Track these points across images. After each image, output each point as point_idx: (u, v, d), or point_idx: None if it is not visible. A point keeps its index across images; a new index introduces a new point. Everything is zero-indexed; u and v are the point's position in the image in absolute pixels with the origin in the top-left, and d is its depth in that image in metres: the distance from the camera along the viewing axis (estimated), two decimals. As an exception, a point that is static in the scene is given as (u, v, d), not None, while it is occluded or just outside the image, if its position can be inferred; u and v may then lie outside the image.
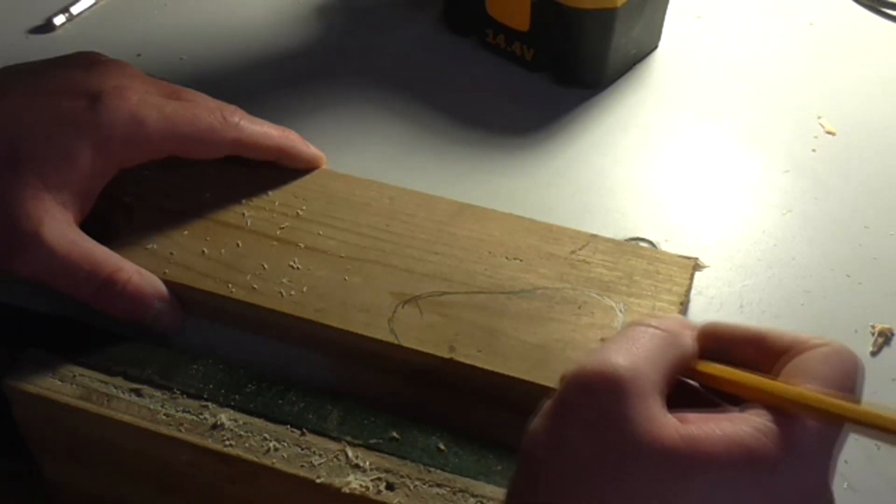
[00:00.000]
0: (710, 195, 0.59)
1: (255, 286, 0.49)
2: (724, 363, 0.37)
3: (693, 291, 0.51)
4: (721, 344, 0.38)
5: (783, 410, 0.34)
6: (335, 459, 0.43)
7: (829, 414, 0.34)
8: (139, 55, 0.67)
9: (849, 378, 0.36)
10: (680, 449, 0.32)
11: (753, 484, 0.33)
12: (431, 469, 0.42)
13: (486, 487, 0.42)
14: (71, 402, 0.45)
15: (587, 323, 0.47)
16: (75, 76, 0.51)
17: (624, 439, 0.33)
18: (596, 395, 0.34)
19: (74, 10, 0.71)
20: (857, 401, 0.35)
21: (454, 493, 0.42)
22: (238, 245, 0.51)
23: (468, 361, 0.45)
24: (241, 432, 0.44)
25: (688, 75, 0.68)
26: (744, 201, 0.59)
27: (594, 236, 0.51)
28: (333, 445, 0.43)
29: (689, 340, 0.37)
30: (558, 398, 0.35)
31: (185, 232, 0.52)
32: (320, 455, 0.43)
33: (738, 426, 0.33)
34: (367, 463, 0.43)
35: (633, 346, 0.36)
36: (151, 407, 0.45)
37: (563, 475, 0.34)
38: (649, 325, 0.37)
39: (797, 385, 0.34)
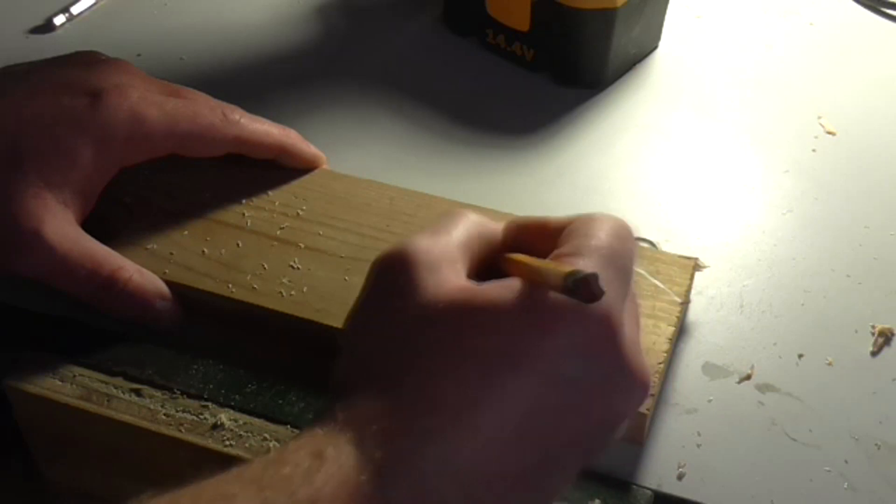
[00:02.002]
0: (710, 195, 0.59)
1: (255, 286, 0.49)
2: (527, 253, 0.39)
3: (693, 291, 0.51)
4: (523, 235, 0.42)
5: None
6: (335, 459, 0.43)
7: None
8: (139, 55, 0.67)
9: (614, 235, 0.38)
10: (459, 299, 0.36)
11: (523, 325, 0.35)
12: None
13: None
14: (71, 402, 0.45)
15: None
16: (76, 75, 0.51)
17: (414, 303, 0.37)
18: (391, 271, 0.38)
19: (74, 10, 0.71)
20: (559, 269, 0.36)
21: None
22: (238, 245, 0.51)
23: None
24: (241, 432, 0.44)
25: (688, 75, 0.68)
26: (744, 201, 0.59)
27: (594, 236, 0.51)
28: (333, 445, 0.43)
29: (495, 230, 0.42)
30: (364, 283, 0.39)
31: (185, 232, 0.52)
32: (320, 455, 0.43)
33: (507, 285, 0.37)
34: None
35: (435, 229, 0.40)
36: (151, 407, 0.45)
37: (369, 345, 0.37)
38: (459, 214, 0.41)
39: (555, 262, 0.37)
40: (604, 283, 0.35)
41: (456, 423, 0.34)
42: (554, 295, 0.35)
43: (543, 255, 0.38)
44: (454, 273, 0.38)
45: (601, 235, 0.38)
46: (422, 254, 0.38)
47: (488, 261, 0.41)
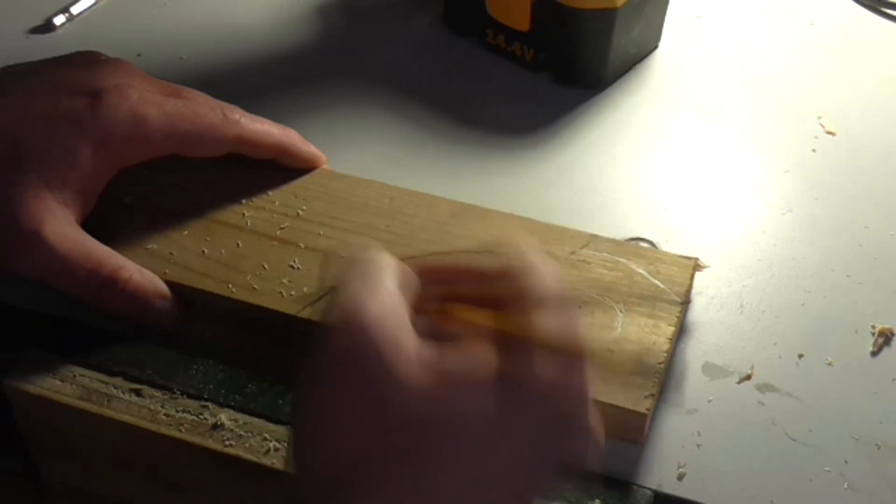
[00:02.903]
0: (710, 195, 0.59)
1: (255, 286, 0.49)
2: (448, 295, 0.38)
3: (693, 291, 0.51)
4: (438, 277, 0.39)
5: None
6: (335, 459, 0.43)
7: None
8: (139, 55, 0.67)
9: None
10: (432, 386, 0.34)
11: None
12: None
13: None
14: (71, 402, 0.45)
15: (587, 323, 0.47)
16: (75, 75, 0.51)
17: (387, 397, 0.34)
18: (349, 355, 0.35)
19: (74, 10, 0.71)
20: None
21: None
22: (238, 245, 0.51)
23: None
24: (241, 432, 0.44)
25: (688, 75, 0.68)
26: (744, 201, 0.59)
27: (594, 236, 0.51)
28: (333, 445, 0.43)
29: (411, 273, 0.39)
30: (322, 345, 0.36)
31: (185, 232, 0.52)
32: (320, 455, 0.43)
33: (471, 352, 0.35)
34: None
35: (367, 280, 0.37)
36: (151, 407, 0.45)
37: (336, 453, 0.35)
38: (376, 258, 0.38)
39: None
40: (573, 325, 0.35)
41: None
42: (526, 369, 0.35)
43: (465, 298, 0.37)
44: (410, 338, 0.35)
45: (546, 282, 0.37)
46: (377, 328, 0.35)
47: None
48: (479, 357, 0.35)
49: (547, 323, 0.35)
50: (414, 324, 0.36)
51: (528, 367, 0.35)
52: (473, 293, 0.38)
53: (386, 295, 0.36)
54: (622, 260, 0.50)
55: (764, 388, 0.49)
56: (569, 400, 0.36)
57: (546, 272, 0.37)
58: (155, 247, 0.51)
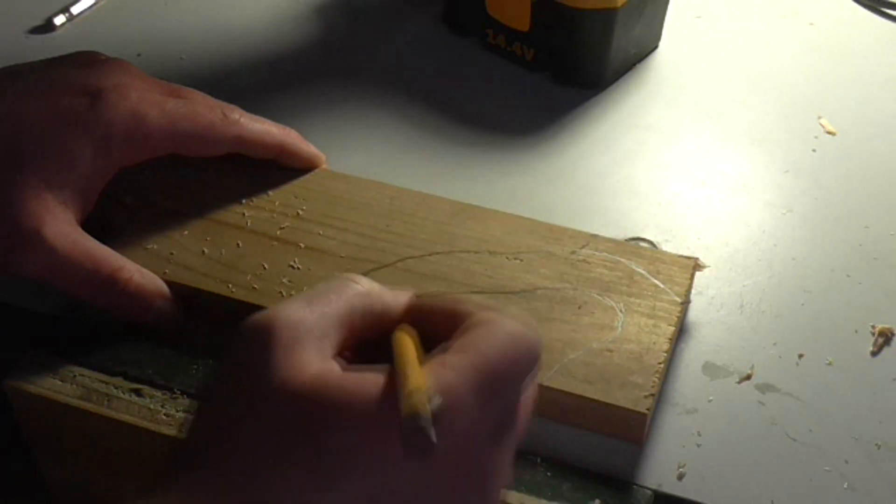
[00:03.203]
0: (710, 195, 0.59)
1: (255, 286, 0.49)
2: (426, 332, 0.37)
3: (693, 291, 0.51)
4: (427, 317, 0.38)
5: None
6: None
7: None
8: (139, 55, 0.67)
9: (489, 348, 0.35)
10: (309, 387, 0.34)
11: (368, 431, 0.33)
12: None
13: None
14: (71, 402, 0.45)
15: (587, 323, 0.47)
16: (75, 75, 0.51)
17: (261, 384, 0.34)
18: (248, 342, 0.35)
19: (74, 10, 0.71)
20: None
21: None
22: (238, 245, 0.51)
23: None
24: (242, 432, 0.44)
25: (688, 75, 0.68)
26: (744, 201, 0.59)
27: (594, 236, 0.51)
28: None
29: (387, 303, 0.38)
30: (224, 345, 0.36)
31: (185, 232, 0.52)
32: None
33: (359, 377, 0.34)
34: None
35: (311, 297, 0.37)
36: (151, 407, 0.45)
37: (210, 418, 0.35)
38: (343, 283, 0.38)
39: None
40: (458, 413, 0.33)
41: None
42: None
43: (445, 339, 0.36)
44: (317, 353, 0.35)
45: (486, 350, 0.35)
46: (284, 328, 0.35)
47: (379, 335, 0.38)
48: (375, 379, 0.34)
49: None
50: (354, 347, 0.37)
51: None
52: (444, 333, 0.37)
53: (316, 311, 0.36)
54: (622, 260, 0.50)
55: (764, 388, 0.49)
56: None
57: (498, 340, 0.35)
58: (155, 247, 0.51)
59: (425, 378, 0.34)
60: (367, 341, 0.38)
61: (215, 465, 0.34)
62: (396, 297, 0.39)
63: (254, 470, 0.33)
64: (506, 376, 0.35)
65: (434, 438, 0.32)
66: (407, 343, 0.36)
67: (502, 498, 0.36)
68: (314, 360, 0.35)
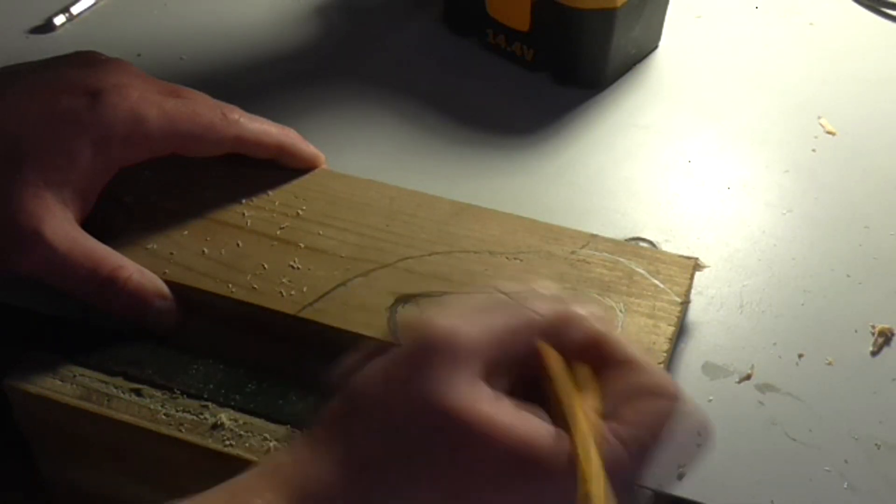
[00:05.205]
0: (710, 195, 0.59)
1: (255, 286, 0.49)
2: (562, 346, 0.38)
3: (693, 291, 0.51)
4: (563, 330, 0.39)
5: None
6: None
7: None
8: (139, 55, 0.67)
9: (657, 423, 0.37)
10: (457, 418, 0.35)
11: (517, 478, 0.35)
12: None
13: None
14: (71, 402, 0.45)
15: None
16: (75, 74, 0.51)
17: (413, 393, 0.36)
18: (416, 345, 0.37)
19: (74, 10, 0.71)
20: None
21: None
22: (238, 245, 0.51)
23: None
24: (241, 432, 0.44)
25: (688, 75, 0.68)
26: (744, 201, 0.59)
27: (594, 236, 0.51)
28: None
29: (552, 319, 0.39)
30: (399, 347, 0.38)
31: (185, 232, 0.52)
32: (320, 455, 0.43)
33: (529, 424, 0.36)
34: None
35: (477, 313, 0.38)
36: (151, 407, 0.45)
37: (359, 405, 0.37)
38: (508, 303, 0.39)
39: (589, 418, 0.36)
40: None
41: None
42: (551, 452, 0.35)
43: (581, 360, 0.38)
44: (467, 376, 0.36)
45: (655, 428, 0.37)
46: (445, 344, 0.36)
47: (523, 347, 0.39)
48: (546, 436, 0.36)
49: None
50: (509, 364, 0.38)
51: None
52: (593, 361, 0.38)
53: (475, 331, 0.37)
54: (622, 260, 0.50)
55: (764, 388, 0.49)
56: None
57: (661, 412, 0.37)
58: (155, 247, 0.51)
59: (602, 466, 0.35)
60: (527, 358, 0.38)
61: (346, 461, 0.36)
62: (564, 308, 0.39)
63: (387, 480, 0.35)
64: (660, 444, 0.37)
65: None
66: (569, 391, 0.37)
67: None
68: (470, 386, 0.36)
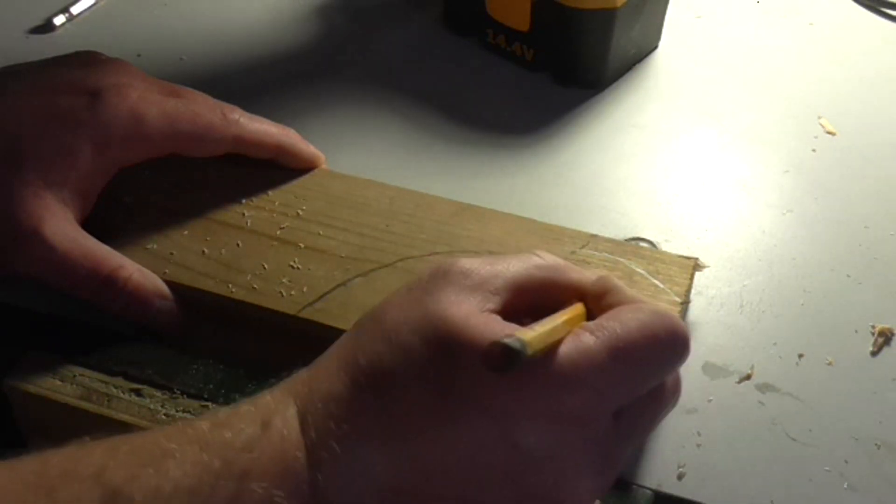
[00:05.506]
0: (710, 195, 0.59)
1: (255, 286, 0.49)
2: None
3: (693, 291, 0.51)
4: (606, 297, 0.40)
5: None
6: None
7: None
8: (139, 55, 0.67)
9: (632, 321, 0.38)
10: (453, 323, 0.36)
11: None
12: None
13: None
14: (71, 402, 0.45)
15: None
16: (75, 74, 0.51)
17: (421, 308, 0.37)
18: (432, 274, 0.39)
19: (74, 10, 0.71)
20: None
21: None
22: (238, 245, 0.51)
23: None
24: (241, 432, 0.44)
25: (688, 75, 0.68)
26: (744, 201, 0.59)
27: (594, 236, 0.51)
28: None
29: (575, 279, 0.41)
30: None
31: (185, 232, 0.52)
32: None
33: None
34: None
35: (497, 258, 0.40)
36: (151, 407, 0.45)
37: (369, 329, 0.39)
38: (531, 254, 0.41)
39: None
40: (589, 367, 0.35)
41: (402, 445, 0.35)
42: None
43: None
44: (478, 302, 0.38)
45: (628, 320, 0.37)
46: (459, 273, 0.39)
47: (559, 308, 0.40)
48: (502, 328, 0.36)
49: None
50: (527, 315, 0.39)
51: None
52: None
53: (494, 269, 0.39)
54: (622, 260, 0.50)
55: (764, 387, 0.49)
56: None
57: (639, 319, 0.38)
58: (155, 247, 0.51)
59: (553, 334, 0.36)
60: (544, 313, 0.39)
61: (357, 374, 0.37)
62: (582, 276, 0.41)
63: (395, 388, 0.36)
64: (643, 349, 0.37)
65: (510, 364, 0.34)
66: (565, 310, 0.38)
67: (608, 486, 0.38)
68: (472, 304, 0.37)
